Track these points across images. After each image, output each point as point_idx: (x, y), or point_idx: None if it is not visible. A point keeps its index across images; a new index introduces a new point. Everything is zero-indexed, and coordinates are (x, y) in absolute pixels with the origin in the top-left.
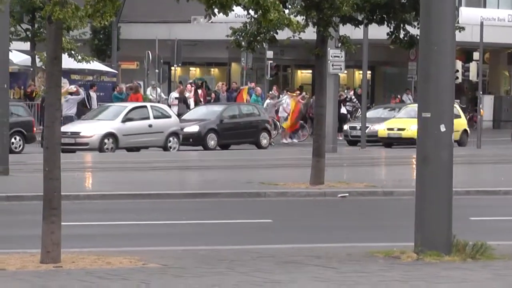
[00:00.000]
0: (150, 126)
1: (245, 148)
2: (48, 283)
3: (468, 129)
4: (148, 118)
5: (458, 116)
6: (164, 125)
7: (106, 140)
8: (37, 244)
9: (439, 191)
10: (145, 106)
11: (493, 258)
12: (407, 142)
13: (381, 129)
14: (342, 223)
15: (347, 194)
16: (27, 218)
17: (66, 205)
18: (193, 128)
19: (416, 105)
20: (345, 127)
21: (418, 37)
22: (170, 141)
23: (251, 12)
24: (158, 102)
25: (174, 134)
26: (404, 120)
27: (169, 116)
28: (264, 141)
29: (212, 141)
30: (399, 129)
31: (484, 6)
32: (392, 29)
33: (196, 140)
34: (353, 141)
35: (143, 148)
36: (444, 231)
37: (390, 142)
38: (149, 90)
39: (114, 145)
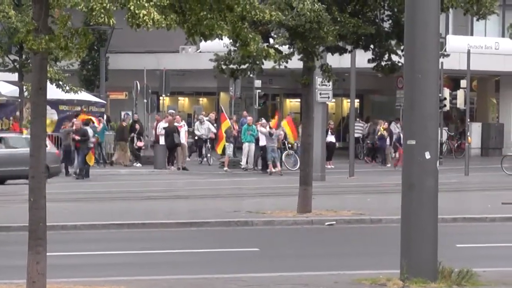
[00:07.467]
0: None
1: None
2: None
3: None
4: None
5: None
6: None
7: None
8: (24, 274)
9: (425, 217)
10: None
11: (478, 285)
12: None
13: None
14: (329, 251)
15: (335, 222)
16: (14, 249)
17: (53, 235)
18: None
19: None
20: None
21: (399, 63)
22: None
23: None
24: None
25: None
26: None
27: None
28: None
29: None
30: None
31: (471, 34)
32: (374, 56)
33: None
34: None
35: None
36: (429, 257)
37: None
38: (196, 125)
39: None
